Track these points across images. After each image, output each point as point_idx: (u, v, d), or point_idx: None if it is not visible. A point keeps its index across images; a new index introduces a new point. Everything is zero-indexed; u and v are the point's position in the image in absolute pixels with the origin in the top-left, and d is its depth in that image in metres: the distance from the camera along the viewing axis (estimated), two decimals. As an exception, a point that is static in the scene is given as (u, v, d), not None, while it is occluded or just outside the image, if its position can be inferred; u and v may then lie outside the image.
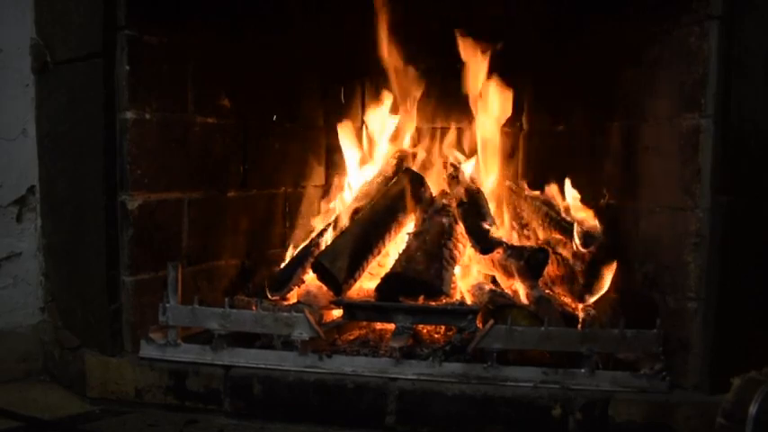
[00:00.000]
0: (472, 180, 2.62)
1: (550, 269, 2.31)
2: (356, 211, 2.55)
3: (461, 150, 2.78)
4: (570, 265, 2.27)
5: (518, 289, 2.31)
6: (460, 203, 2.45)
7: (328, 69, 2.80)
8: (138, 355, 2.01)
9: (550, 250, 2.28)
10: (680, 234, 1.86)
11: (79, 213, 2.12)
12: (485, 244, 2.29)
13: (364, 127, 2.88)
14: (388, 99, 2.78)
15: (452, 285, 2.28)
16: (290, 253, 2.54)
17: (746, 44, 1.77)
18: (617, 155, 2.21)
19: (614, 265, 2.14)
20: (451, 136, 2.83)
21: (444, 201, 2.53)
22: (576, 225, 2.28)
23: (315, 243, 2.44)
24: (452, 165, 2.71)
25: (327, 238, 2.46)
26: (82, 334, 2.14)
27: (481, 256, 2.35)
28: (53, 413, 1.97)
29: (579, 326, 2.04)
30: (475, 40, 2.60)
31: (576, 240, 2.24)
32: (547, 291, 2.27)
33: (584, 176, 2.36)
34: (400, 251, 2.35)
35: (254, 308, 2.03)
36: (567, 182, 2.38)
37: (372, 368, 1.92)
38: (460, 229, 2.39)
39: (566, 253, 2.31)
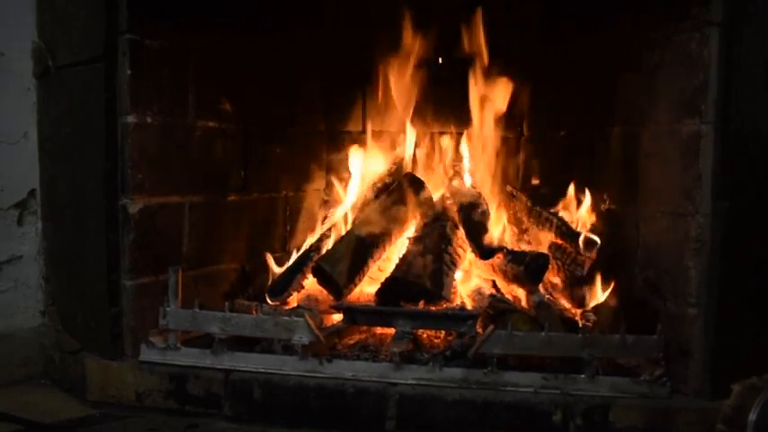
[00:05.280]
0: (473, 185, 2.62)
1: (551, 274, 2.31)
2: (357, 215, 2.55)
3: (462, 155, 2.78)
4: (570, 270, 2.27)
5: (518, 294, 2.31)
6: (461, 208, 2.46)
7: (329, 73, 2.81)
8: (139, 358, 2.01)
9: (550, 255, 2.28)
10: (680, 239, 1.86)
11: (80, 217, 2.13)
12: (485, 249, 2.29)
13: (365, 131, 2.88)
14: (388, 103, 2.78)
15: (453, 290, 2.28)
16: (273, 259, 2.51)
17: (747, 50, 1.77)
18: (618, 160, 2.21)
19: (615, 271, 2.14)
20: (452, 140, 2.82)
21: (444, 205, 2.53)
22: (577, 230, 2.28)
23: (315, 247, 2.44)
24: (453, 169, 2.71)
25: (328, 243, 2.46)
26: (82, 338, 2.14)
27: (481, 261, 2.35)
28: (53, 417, 1.97)
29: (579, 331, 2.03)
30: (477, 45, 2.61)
31: (579, 245, 2.24)
32: (547, 296, 2.27)
33: (585, 181, 2.36)
34: (401, 256, 2.35)
35: (254, 312, 2.02)
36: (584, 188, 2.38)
37: (372, 373, 1.91)
38: (461, 233, 2.39)
39: (566, 258, 2.31)
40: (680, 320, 1.86)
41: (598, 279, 2.17)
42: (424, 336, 2.16)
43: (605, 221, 2.27)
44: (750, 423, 1.48)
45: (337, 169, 2.87)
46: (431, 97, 2.79)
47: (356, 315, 2.11)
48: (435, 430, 1.86)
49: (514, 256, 2.28)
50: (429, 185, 2.64)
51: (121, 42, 1.98)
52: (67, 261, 2.23)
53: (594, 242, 2.21)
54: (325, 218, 2.72)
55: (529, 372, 1.88)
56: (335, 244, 2.39)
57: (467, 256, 2.40)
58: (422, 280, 2.19)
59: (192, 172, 2.20)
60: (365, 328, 2.19)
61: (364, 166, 2.79)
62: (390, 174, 2.69)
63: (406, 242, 2.42)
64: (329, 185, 2.89)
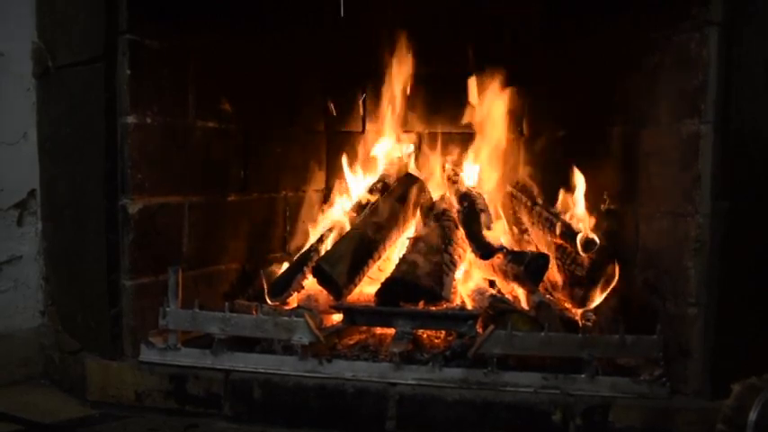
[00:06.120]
0: (472, 185, 2.62)
1: (550, 274, 2.31)
2: (357, 216, 2.55)
3: (462, 155, 2.78)
4: (570, 271, 2.27)
5: (518, 294, 2.31)
6: (461, 208, 2.46)
7: (329, 73, 2.81)
8: (139, 359, 2.01)
9: (550, 255, 2.28)
10: (680, 239, 1.86)
11: (80, 217, 2.13)
12: (485, 249, 2.29)
13: (365, 132, 2.89)
14: (389, 104, 2.79)
15: (453, 290, 2.28)
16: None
17: (747, 50, 1.77)
18: (617, 160, 2.21)
19: (615, 271, 2.14)
20: (452, 141, 2.83)
21: (445, 206, 2.53)
22: (576, 230, 2.28)
23: (315, 248, 2.44)
24: (453, 170, 2.71)
25: (327, 243, 2.46)
26: (82, 338, 2.14)
27: (481, 261, 2.35)
28: (53, 417, 1.97)
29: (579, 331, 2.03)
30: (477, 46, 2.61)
31: (577, 245, 2.23)
32: (547, 296, 2.27)
33: (585, 182, 2.36)
34: (401, 256, 2.35)
35: (254, 312, 2.02)
36: (576, 186, 2.38)
37: (372, 373, 1.91)
38: (461, 233, 2.39)
39: (566, 258, 2.30)
40: (680, 320, 1.86)
41: (598, 279, 2.17)
42: (424, 336, 2.16)
43: (605, 221, 2.27)
44: (750, 423, 1.48)
45: (337, 169, 2.87)
46: (432, 97, 2.80)
47: (356, 315, 2.11)
48: (435, 430, 1.85)
49: (514, 256, 2.28)
50: (429, 185, 2.65)
51: (121, 42, 1.98)
52: (67, 261, 2.23)
53: (594, 242, 2.21)
54: (325, 218, 2.72)
55: (529, 372, 1.88)
56: (335, 244, 2.39)
57: (467, 256, 2.41)
58: (422, 280, 2.19)
59: (192, 172, 2.21)
60: (365, 328, 2.19)
61: (364, 166, 2.79)
62: (390, 174, 2.69)
63: (406, 242, 2.42)
64: (329, 185, 2.90)
